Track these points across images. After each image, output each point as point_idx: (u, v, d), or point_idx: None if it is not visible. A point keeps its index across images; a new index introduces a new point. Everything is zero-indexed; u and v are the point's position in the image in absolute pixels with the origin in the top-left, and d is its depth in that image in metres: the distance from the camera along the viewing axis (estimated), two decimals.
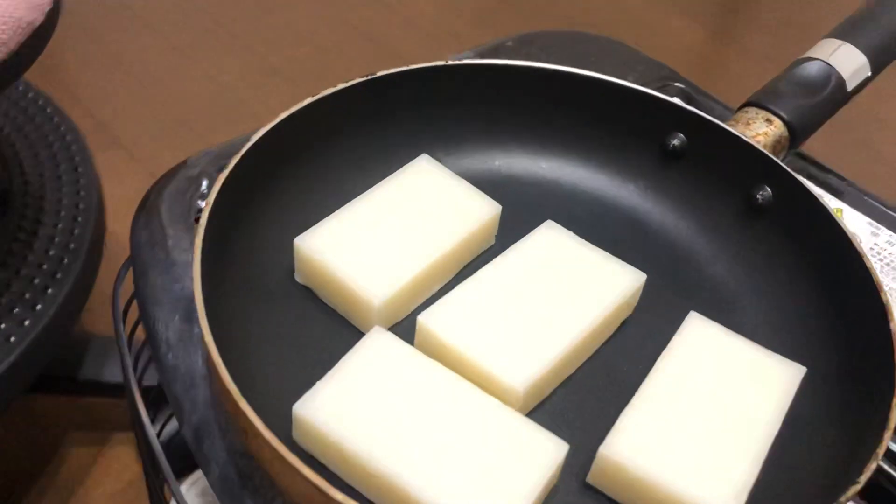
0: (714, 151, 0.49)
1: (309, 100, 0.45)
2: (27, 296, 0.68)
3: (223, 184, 0.40)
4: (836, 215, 0.46)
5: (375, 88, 0.48)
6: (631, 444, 0.37)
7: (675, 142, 0.51)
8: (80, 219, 0.78)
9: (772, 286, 0.47)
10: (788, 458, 0.39)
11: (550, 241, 0.45)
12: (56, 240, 0.75)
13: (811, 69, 0.52)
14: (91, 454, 0.84)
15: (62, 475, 0.83)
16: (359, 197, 0.46)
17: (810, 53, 0.54)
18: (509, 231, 0.47)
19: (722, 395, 0.40)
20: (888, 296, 0.41)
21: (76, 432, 0.86)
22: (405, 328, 0.43)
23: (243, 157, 0.41)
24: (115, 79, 1.29)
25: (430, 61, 0.49)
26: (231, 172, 0.40)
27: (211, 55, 1.36)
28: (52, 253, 0.73)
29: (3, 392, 0.66)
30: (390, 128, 0.50)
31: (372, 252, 0.43)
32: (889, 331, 0.39)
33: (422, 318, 0.41)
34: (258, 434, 0.33)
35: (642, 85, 0.51)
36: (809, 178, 0.58)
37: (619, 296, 0.43)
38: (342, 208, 0.45)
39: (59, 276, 0.71)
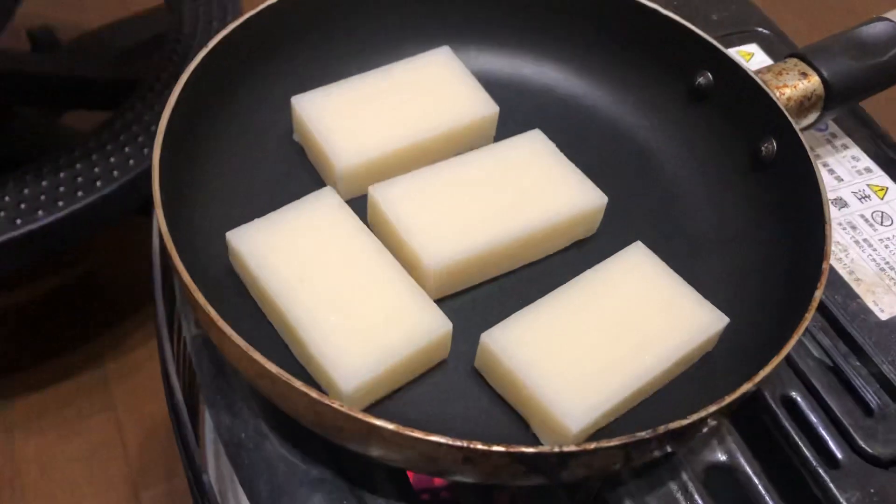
0: (734, 96, 0.47)
1: None
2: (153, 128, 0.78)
3: (219, 40, 0.45)
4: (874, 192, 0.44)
5: None
6: (513, 337, 0.39)
7: (702, 80, 0.49)
8: None
9: (746, 242, 0.45)
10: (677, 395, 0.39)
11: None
12: None
13: (876, 29, 0.48)
14: None
15: None
16: (368, 72, 0.49)
17: (888, 14, 0.49)
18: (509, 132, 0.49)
19: (628, 321, 0.40)
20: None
21: None
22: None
23: (252, 17, 0.46)
24: None
25: None
26: (232, 32, 0.45)
27: None
28: None
29: (117, 207, 0.77)
30: (427, 14, 0.52)
31: (357, 120, 0.47)
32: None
33: (373, 190, 0.44)
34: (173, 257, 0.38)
35: (725, 26, 0.49)
36: (862, 142, 0.54)
37: (568, 215, 0.44)
38: (347, 79, 0.49)
39: None
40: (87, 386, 0.94)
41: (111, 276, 1.03)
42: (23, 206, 0.73)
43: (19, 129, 0.90)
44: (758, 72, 0.47)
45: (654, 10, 0.50)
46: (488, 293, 0.44)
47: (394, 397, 0.40)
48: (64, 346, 0.97)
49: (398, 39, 0.52)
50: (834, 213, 0.50)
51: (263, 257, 0.41)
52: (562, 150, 0.47)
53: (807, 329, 0.40)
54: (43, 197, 0.74)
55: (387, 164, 0.47)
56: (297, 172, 0.48)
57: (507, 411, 0.40)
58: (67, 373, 0.95)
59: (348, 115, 0.47)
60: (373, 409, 0.39)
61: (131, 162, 0.77)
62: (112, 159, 0.77)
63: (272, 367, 0.33)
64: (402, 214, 0.43)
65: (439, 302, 0.42)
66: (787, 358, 0.41)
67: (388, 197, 0.44)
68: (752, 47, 0.58)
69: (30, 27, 0.95)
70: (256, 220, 0.42)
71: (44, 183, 0.75)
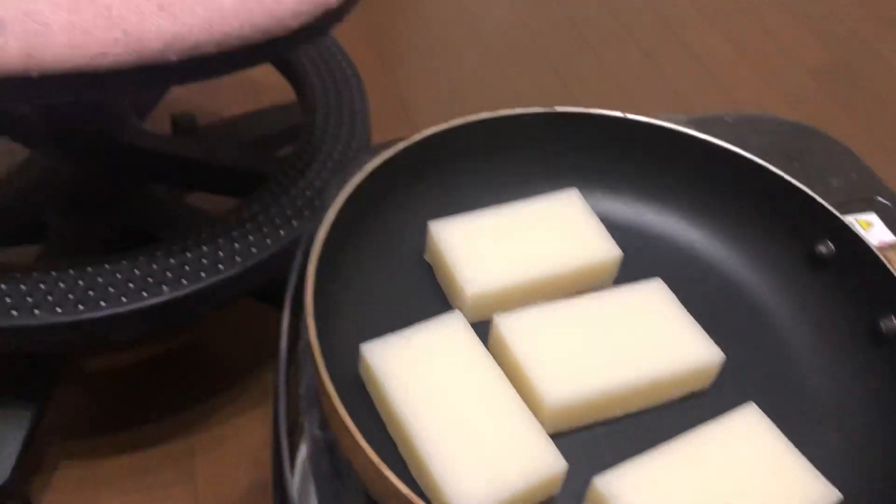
0: (855, 268, 0.49)
1: (485, 115, 0.53)
2: (286, 213, 0.83)
3: (377, 166, 0.49)
4: None
5: (552, 120, 0.54)
6: (625, 486, 0.40)
7: (822, 248, 0.50)
8: (342, 167, 0.93)
9: (865, 415, 0.46)
10: None
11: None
12: (315, 183, 0.89)
13: None
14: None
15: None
16: (500, 206, 0.52)
17: None
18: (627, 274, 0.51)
19: (737, 484, 0.41)
20: None
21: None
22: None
23: (407, 148, 0.50)
24: (432, 71, 1.46)
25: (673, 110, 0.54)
26: (389, 160, 0.49)
27: (514, 69, 1.48)
28: (313, 188, 0.87)
29: (234, 290, 0.82)
30: (559, 156, 0.55)
31: (487, 250, 0.50)
32: None
33: (498, 319, 0.47)
34: (315, 355, 0.41)
35: (845, 193, 0.51)
36: None
37: (685, 368, 0.45)
38: (481, 210, 0.52)
39: (305, 214, 0.85)
40: (172, 454, 0.97)
41: (209, 349, 1.07)
42: (150, 279, 0.78)
43: (149, 204, 0.97)
44: (881, 248, 0.49)
45: (778, 176, 0.52)
46: (600, 434, 0.45)
47: None
48: (155, 413, 1.01)
49: (529, 176, 0.55)
50: None
51: (393, 372, 0.43)
52: (679, 298, 0.48)
53: None
54: (169, 274, 0.79)
55: (511, 295, 0.49)
56: (425, 289, 0.51)
57: None
58: (156, 439, 0.98)
59: (479, 245, 0.50)
60: None
61: (254, 250, 0.82)
62: (236, 245, 0.82)
63: (403, 489, 0.35)
64: (524, 348, 0.45)
65: (552, 436, 0.43)
66: None
67: (513, 329, 0.46)
68: (872, 217, 0.59)
69: (173, 112, 1.03)
70: (389, 336, 0.45)
71: (171, 261, 0.80)
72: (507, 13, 1.65)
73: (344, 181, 0.57)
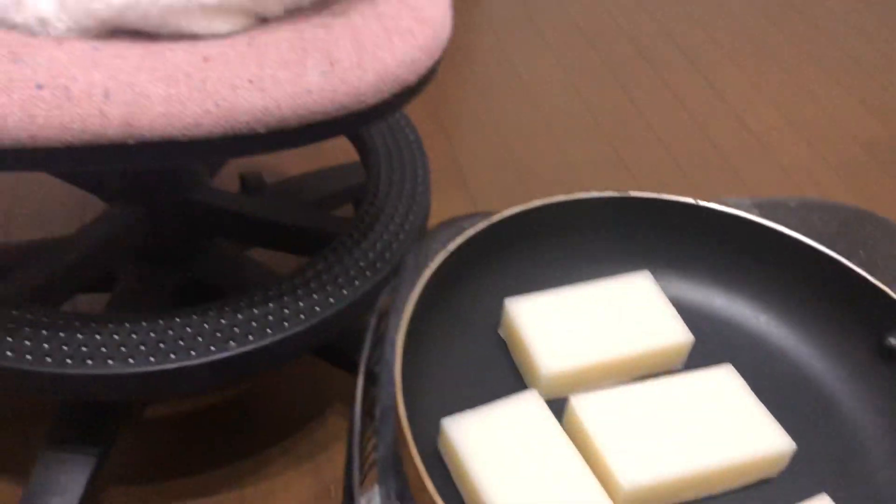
0: None
1: (562, 197, 0.55)
2: (349, 273, 0.86)
3: (460, 244, 0.51)
4: None
5: (625, 203, 0.56)
6: None
7: (893, 340, 0.51)
8: (404, 228, 0.95)
9: None
10: None
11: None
12: (377, 245, 0.92)
13: None
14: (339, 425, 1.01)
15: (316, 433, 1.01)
16: (573, 285, 0.54)
17: None
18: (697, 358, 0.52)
19: None
20: None
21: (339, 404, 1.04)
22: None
23: (485, 228, 0.52)
24: (482, 123, 1.50)
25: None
26: (471, 237, 0.51)
27: (568, 135, 1.51)
28: (375, 250, 0.90)
29: (298, 347, 0.84)
30: (631, 238, 0.57)
31: (561, 329, 0.51)
32: None
33: (574, 401, 0.48)
34: (403, 432, 0.43)
35: None
36: None
37: (756, 455, 0.46)
38: (555, 289, 0.54)
39: (367, 274, 0.87)
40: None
41: (262, 401, 1.09)
42: (218, 334, 0.80)
43: (216, 258, 1.00)
44: None
45: (846, 267, 0.53)
46: None
47: None
48: (207, 462, 1.02)
49: (602, 257, 0.57)
50: None
51: (472, 448, 0.45)
52: (749, 384, 0.49)
53: None
54: (236, 329, 0.81)
55: (584, 375, 0.50)
56: (499, 363, 0.53)
57: None
58: (207, 488, 1.00)
59: (553, 324, 0.51)
60: None
61: (317, 308, 0.84)
62: (301, 303, 0.84)
63: None
64: (600, 430, 0.46)
65: None
66: None
67: (589, 411, 0.47)
68: None
69: (242, 171, 1.07)
70: (468, 412, 0.47)
71: (239, 316, 0.82)
72: (567, 89, 1.69)
73: (422, 253, 0.59)
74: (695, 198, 0.56)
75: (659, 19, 1.94)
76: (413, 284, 0.53)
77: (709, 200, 0.56)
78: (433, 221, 1.02)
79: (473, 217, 0.63)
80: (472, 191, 1.35)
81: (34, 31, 0.63)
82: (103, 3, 0.62)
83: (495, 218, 0.53)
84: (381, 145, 1.04)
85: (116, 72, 0.60)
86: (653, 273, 0.55)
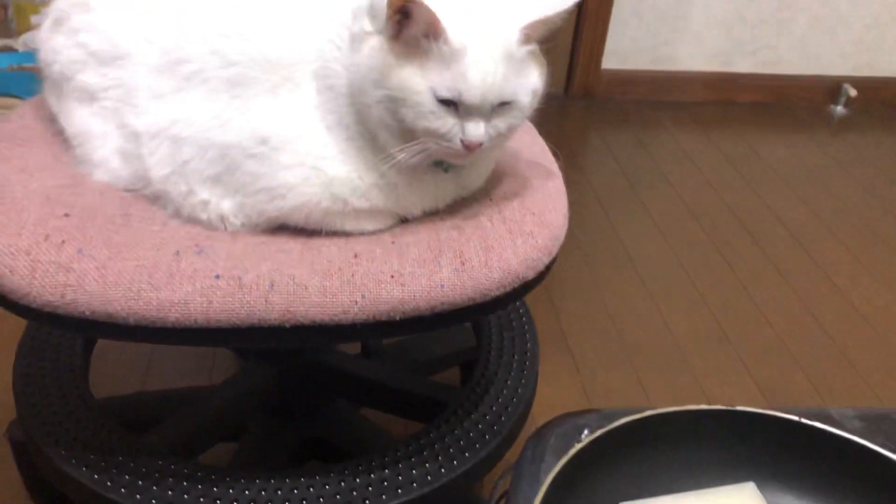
0: None
1: (672, 409, 0.59)
2: (461, 443, 0.91)
3: (576, 452, 0.56)
4: None
5: (732, 417, 0.60)
6: None
7: None
8: (513, 400, 1.00)
9: None
10: None
11: None
12: (488, 416, 0.97)
13: None
14: None
15: None
16: (682, 493, 0.58)
17: None
18: None
19: None
20: None
21: None
22: None
23: (601, 436, 0.57)
24: (592, 306, 1.55)
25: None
26: (584, 446, 0.56)
27: (670, 306, 1.55)
28: (485, 421, 0.95)
29: None
30: (737, 449, 0.61)
31: None
32: None
33: None
34: None
35: None
36: None
37: None
38: (665, 496, 0.58)
39: (477, 446, 0.92)
40: None
41: None
42: (337, 497, 0.86)
43: (334, 417, 1.07)
44: None
45: None
46: None
47: None
48: None
49: (711, 465, 0.61)
50: None
51: None
52: None
53: None
54: (354, 493, 0.87)
55: None
56: None
57: None
58: None
59: None
60: None
61: (429, 478, 0.90)
62: (414, 471, 0.90)
63: None
64: None
65: None
66: None
67: None
68: None
69: None
70: None
71: (357, 480, 0.88)
72: (671, 262, 1.74)
73: (537, 449, 0.64)
74: (798, 412, 0.60)
75: (762, 196, 1.99)
76: (532, 485, 0.59)
77: (813, 418, 0.59)
78: (539, 390, 1.07)
79: (585, 415, 0.68)
80: (577, 360, 1.39)
81: (215, 226, 0.75)
82: (274, 206, 0.73)
83: (611, 426, 0.58)
84: (493, 317, 1.11)
85: (281, 264, 0.70)
86: (758, 484, 0.59)
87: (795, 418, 0.59)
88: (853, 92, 2.50)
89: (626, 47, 2.42)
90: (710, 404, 0.60)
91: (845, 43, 2.50)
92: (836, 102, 2.55)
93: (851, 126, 2.46)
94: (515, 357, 1.06)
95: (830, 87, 2.55)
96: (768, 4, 2.40)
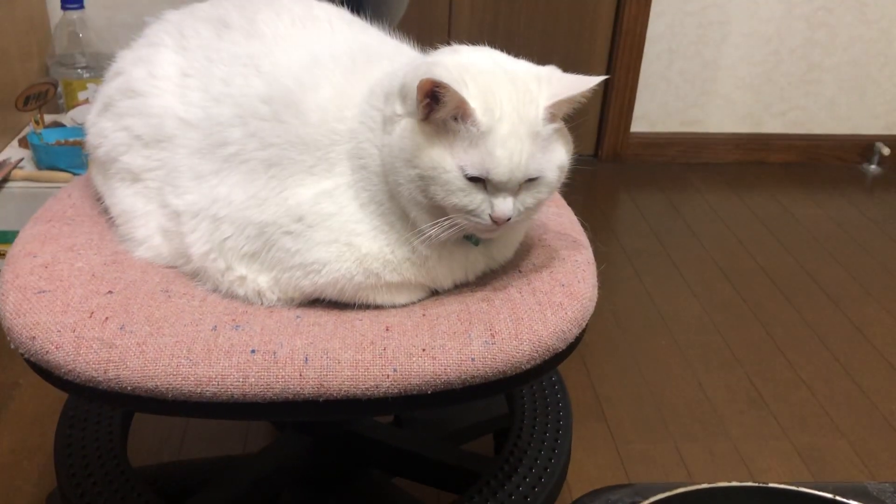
0: None
1: (704, 486, 0.59)
2: None
3: None
4: None
5: (763, 494, 0.60)
6: None
7: None
8: (547, 471, 1.00)
9: None
10: None
11: None
12: (521, 488, 0.97)
13: None
14: None
15: None
16: None
17: None
18: None
19: None
20: None
21: None
22: None
23: None
24: (626, 369, 1.55)
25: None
26: None
27: (706, 370, 1.53)
28: (518, 492, 0.95)
29: None
30: None
31: None
32: None
33: None
34: None
35: None
36: None
37: None
38: None
39: None
40: None
41: None
42: None
43: (367, 486, 1.07)
44: None
45: None
46: None
47: None
48: None
49: None
50: None
51: None
52: None
53: None
54: None
55: None
56: None
57: None
58: None
59: None
60: None
61: None
62: None
63: None
64: None
65: None
66: None
67: None
68: None
69: None
70: None
71: None
72: (704, 323, 1.74)
73: None
74: (834, 488, 0.59)
75: (796, 256, 1.98)
76: None
77: (849, 495, 0.58)
78: (574, 456, 1.06)
79: (618, 490, 0.68)
80: (610, 423, 1.38)
81: (252, 300, 0.77)
82: (309, 281, 0.75)
83: (644, 502, 0.58)
84: (527, 388, 1.12)
85: (314, 339, 0.72)
86: None
87: (830, 496, 0.58)
88: (886, 150, 2.50)
89: (655, 111, 2.45)
90: (749, 472, 0.60)
91: (876, 103, 2.50)
92: (868, 161, 2.54)
93: (885, 184, 2.45)
94: (549, 426, 1.06)
95: (862, 147, 2.54)
96: (796, 67, 2.42)
